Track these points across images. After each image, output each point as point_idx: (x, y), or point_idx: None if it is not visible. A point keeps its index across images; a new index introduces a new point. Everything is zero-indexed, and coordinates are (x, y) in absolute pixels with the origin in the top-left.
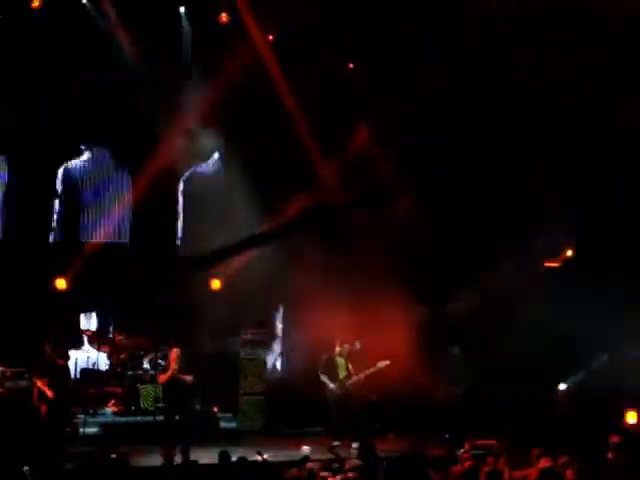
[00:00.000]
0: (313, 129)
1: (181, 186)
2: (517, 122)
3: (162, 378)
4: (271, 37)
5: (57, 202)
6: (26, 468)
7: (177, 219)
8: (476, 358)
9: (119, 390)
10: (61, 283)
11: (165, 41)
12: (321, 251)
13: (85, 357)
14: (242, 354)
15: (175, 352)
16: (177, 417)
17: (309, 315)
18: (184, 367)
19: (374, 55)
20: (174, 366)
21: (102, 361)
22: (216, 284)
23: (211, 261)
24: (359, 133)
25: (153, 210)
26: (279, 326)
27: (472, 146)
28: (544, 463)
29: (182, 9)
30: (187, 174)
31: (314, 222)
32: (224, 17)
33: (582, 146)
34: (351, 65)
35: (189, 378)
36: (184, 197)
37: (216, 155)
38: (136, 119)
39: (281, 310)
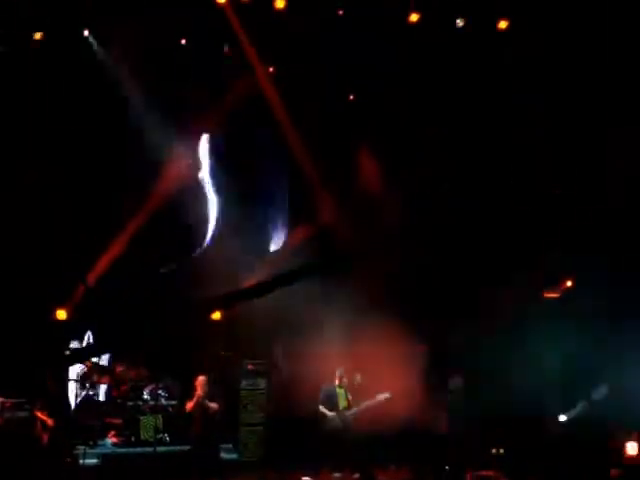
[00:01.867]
0: (314, 160)
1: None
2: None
3: (189, 405)
4: (272, 69)
5: None
6: None
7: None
8: (477, 390)
9: (119, 421)
10: (61, 314)
11: (166, 73)
12: (321, 283)
13: (86, 388)
14: (242, 384)
15: (201, 379)
16: (204, 446)
17: (309, 347)
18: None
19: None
20: (200, 393)
21: (102, 392)
22: (216, 314)
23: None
24: (363, 165)
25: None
26: (279, 358)
27: (472, 178)
28: None
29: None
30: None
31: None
32: (226, 49)
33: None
34: (351, 97)
35: (215, 406)
36: None
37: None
38: (138, 152)
39: (281, 341)
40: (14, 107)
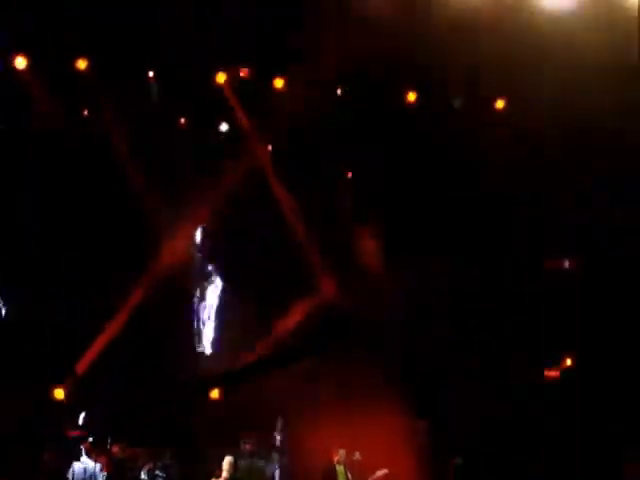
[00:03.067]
0: (313, 237)
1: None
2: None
3: None
4: (270, 147)
5: None
6: None
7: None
8: (477, 470)
9: None
10: (59, 393)
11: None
12: (320, 361)
13: (82, 468)
14: (242, 465)
15: (229, 461)
16: None
17: (308, 425)
18: None
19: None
20: (226, 476)
21: (99, 472)
22: (215, 394)
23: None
24: (362, 243)
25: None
26: (278, 437)
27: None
28: None
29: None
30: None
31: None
32: (223, 126)
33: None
34: (350, 174)
35: None
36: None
37: None
38: (138, 229)
39: (280, 420)
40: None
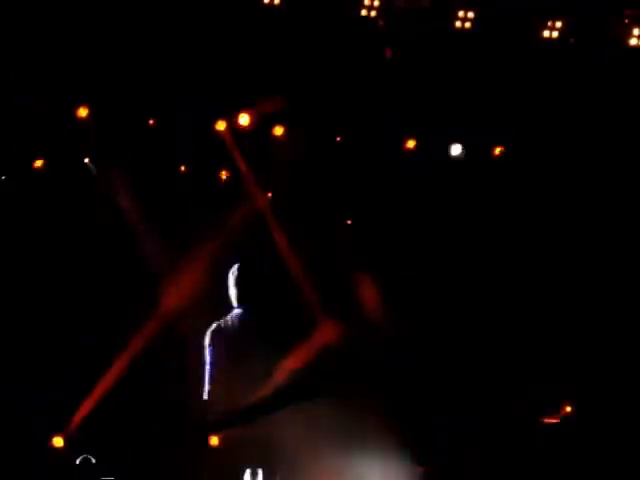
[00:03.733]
0: (312, 282)
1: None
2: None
3: None
4: (270, 194)
5: None
6: None
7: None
8: None
9: None
10: (58, 441)
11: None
12: (320, 406)
13: None
14: None
15: None
16: None
17: (308, 472)
18: None
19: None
20: None
21: None
22: (214, 440)
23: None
24: (362, 289)
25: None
26: None
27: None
28: None
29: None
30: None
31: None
32: (223, 175)
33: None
34: (349, 221)
35: None
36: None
37: None
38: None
39: (278, 470)
40: (13, 235)
